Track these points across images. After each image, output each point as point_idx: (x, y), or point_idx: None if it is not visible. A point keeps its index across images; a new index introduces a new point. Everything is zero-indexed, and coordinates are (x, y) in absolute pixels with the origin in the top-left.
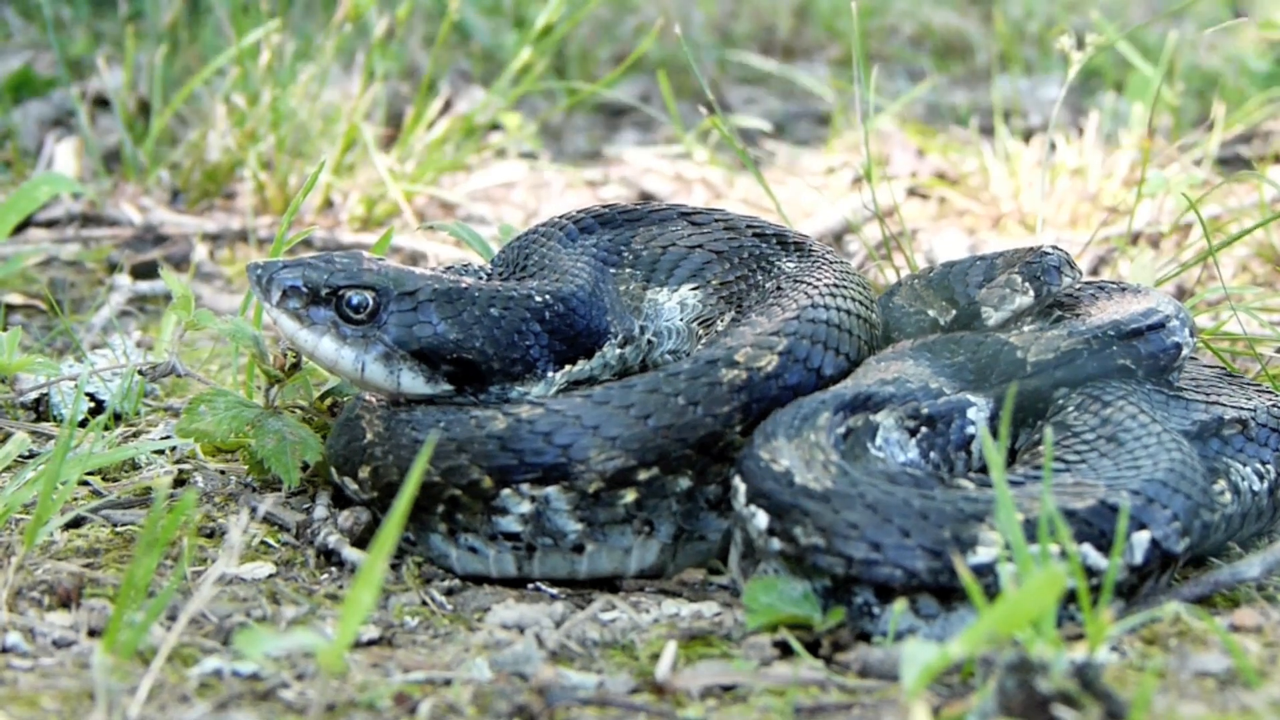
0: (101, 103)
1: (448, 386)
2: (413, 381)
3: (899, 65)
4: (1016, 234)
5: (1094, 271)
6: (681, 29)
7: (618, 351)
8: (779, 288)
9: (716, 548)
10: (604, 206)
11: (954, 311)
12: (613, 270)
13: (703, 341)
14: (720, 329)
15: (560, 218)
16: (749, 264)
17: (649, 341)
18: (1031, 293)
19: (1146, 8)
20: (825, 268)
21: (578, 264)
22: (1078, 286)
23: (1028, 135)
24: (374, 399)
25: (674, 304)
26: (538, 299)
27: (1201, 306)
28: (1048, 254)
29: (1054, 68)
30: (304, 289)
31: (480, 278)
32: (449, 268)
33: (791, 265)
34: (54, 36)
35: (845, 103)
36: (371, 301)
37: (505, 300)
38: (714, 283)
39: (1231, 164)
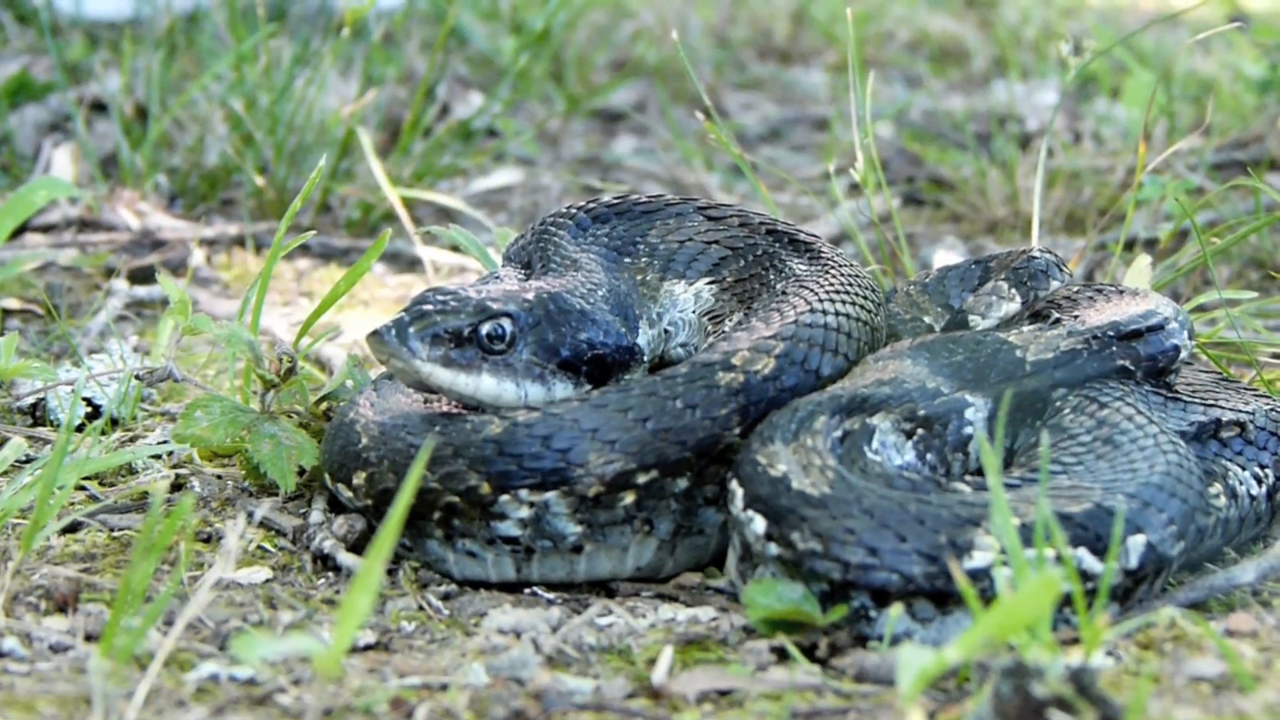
0: (99, 108)
1: (589, 385)
2: (565, 391)
3: (896, 71)
4: (1013, 240)
5: (1089, 277)
6: (678, 34)
7: (651, 332)
8: (784, 291)
9: (714, 542)
10: (617, 198)
11: (949, 317)
12: (628, 259)
13: (709, 339)
14: (728, 327)
15: (571, 206)
16: (762, 262)
17: (665, 331)
18: (1018, 299)
19: (1142, 14)
20: (832, 271)
21: (588, 254)
22: (1075, 289)
23: (1024, 141)
24: (367, 403)
25: (689, 296)
26: (604, 287)
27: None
28: (1035, 258)
29: (1050, 73)
30: (446, 335)
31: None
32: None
33: (802, 268)
34: (51, 41)
35: (842, 108)
36: (508, 329)
37: (588, 290)
38: (729, 280)
39: (1227, 169)
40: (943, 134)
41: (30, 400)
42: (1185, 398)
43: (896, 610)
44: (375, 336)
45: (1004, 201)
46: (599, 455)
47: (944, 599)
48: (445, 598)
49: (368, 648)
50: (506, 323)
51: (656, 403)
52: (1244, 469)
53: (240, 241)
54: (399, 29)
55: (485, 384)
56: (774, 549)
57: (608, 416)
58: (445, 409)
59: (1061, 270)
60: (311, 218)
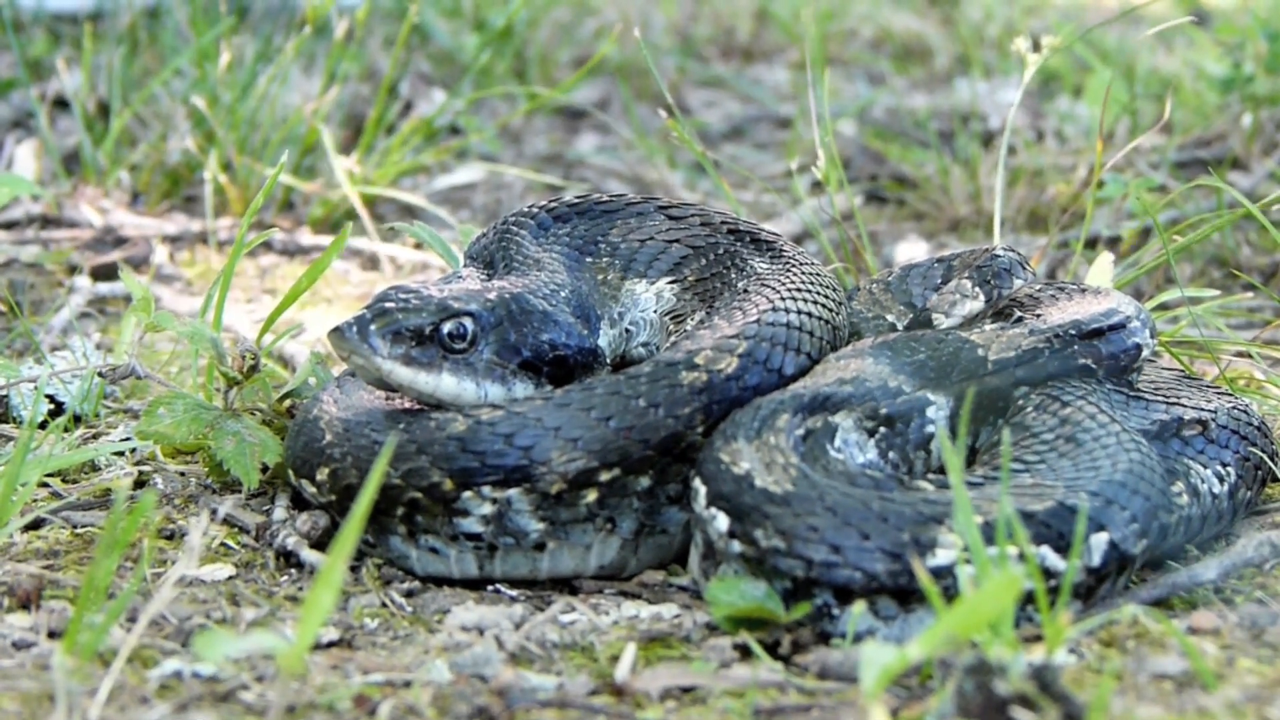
0: (61, 104)
1: (549, 386)
2: (525, 391)
3: (858, 68)
4: (975, 238)
5: (1051, 275)
6: (641, 32)
7: (612, 332)
8: (746, 290)
9: (677, 541)
10: (579, 197)
11: (912, 315)
12: (589, 259)
13: (672, 338)
14: (690, 326)
15: (532, 205)
16: (723, 261)
17: (627, 330)
18: (982, 297)
19: (1104, 11)
20: (794, 269)
21: (550, 253)
22: (1038, 287)
23: (987, 138)
24: (331, 400)
25: (650, 295)
26: (567, 287)
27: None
28: (998, 257)
29: (1013, 71)
30: (407, 333)
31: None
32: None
33: (763, 266)
34: (13, 37)
35: (804, 106)
36: (470, 328)
37: (550, 291)
38: (690, 279)
39: (1189, 167)
40: (905, 132)
41: None
42: (1147, 396)
43: (859, 608)
44: (337, 333)
45: (966, 199)
46: (562, 453)
47: (907, 596)
48: (408, 594)
49: (331, 645)
50: (468, 322)
51: (620, 401)
52: (1206, 467)
53: (203, 238)
54: (361, 26)
55: (445, 383)
56: (737, 546)
57: (571, 414)
58: (409, 406)
59: (1024, 268)
60: (274, 215)
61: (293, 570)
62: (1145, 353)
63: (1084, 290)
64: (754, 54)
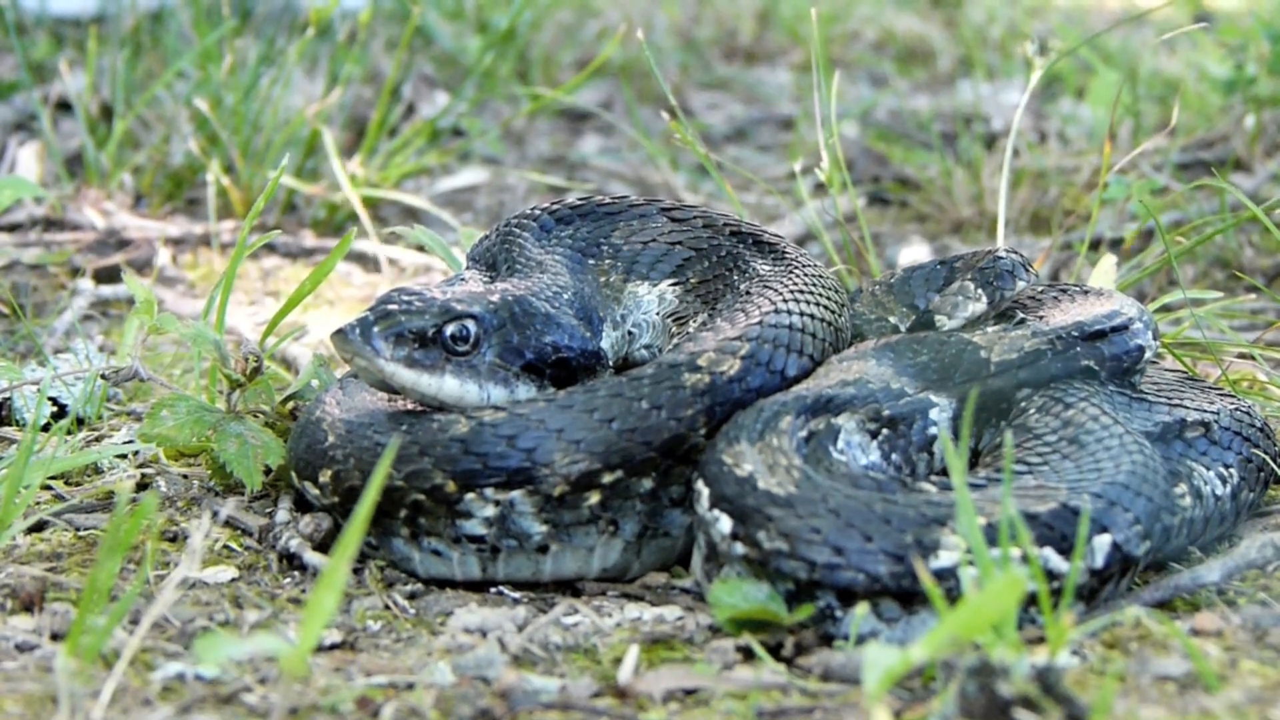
0: (64, 106)
1: (552, 388)
2: (528, 393)
3: (861, 70)
4: (978, 239)
5: (1054, 276)
6: (644, 34)
7: (614, 334)
8: (748, 291)
9: (680, 543)
10: (581, 199)
11: (914, 317)
12: (592, 261)
13: (674, 340)
14: (692, 328)
15: (535, 208)
16: (726, 263)
17: (629, 333)
18: (984, 299)
19: (1108, 13)
20: (797, 271)
21: (553, 255)
22: (1040, 289)
23: (990, 140)
24: (333, 401)
25: (653, 298)
26: (570, 290)
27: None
28: (1001, 258)
29: (1016, 73)
30: (410, 335)
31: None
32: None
33: (766, 268)
34: (16, 40)
35: (807, 108)
36: (473, 330)
37: (553, 293)
38: (693, 281)
39: (1192, 169)
40: (908, 134)
41: None
42: (1150, 398)
43: (862, 610)
44: (339, 335)
45: (969, 201)
46: (564, 455)
47: (910, 598)
48: (411, 597)
49: (334, 647)
50: (471, 324)
51: (622, 403)
52: (1209, 469)
53: (206, 241)
54: (364, 28)
55: (448, 385)
56: (740, 548)
57: (574, 416)
58: (411, 408)
59: (1027, 270)
60: (277, 217)
61: (295, 572)
62: (1148, 354)
63: (1086, 292)
64: (757, 55)
